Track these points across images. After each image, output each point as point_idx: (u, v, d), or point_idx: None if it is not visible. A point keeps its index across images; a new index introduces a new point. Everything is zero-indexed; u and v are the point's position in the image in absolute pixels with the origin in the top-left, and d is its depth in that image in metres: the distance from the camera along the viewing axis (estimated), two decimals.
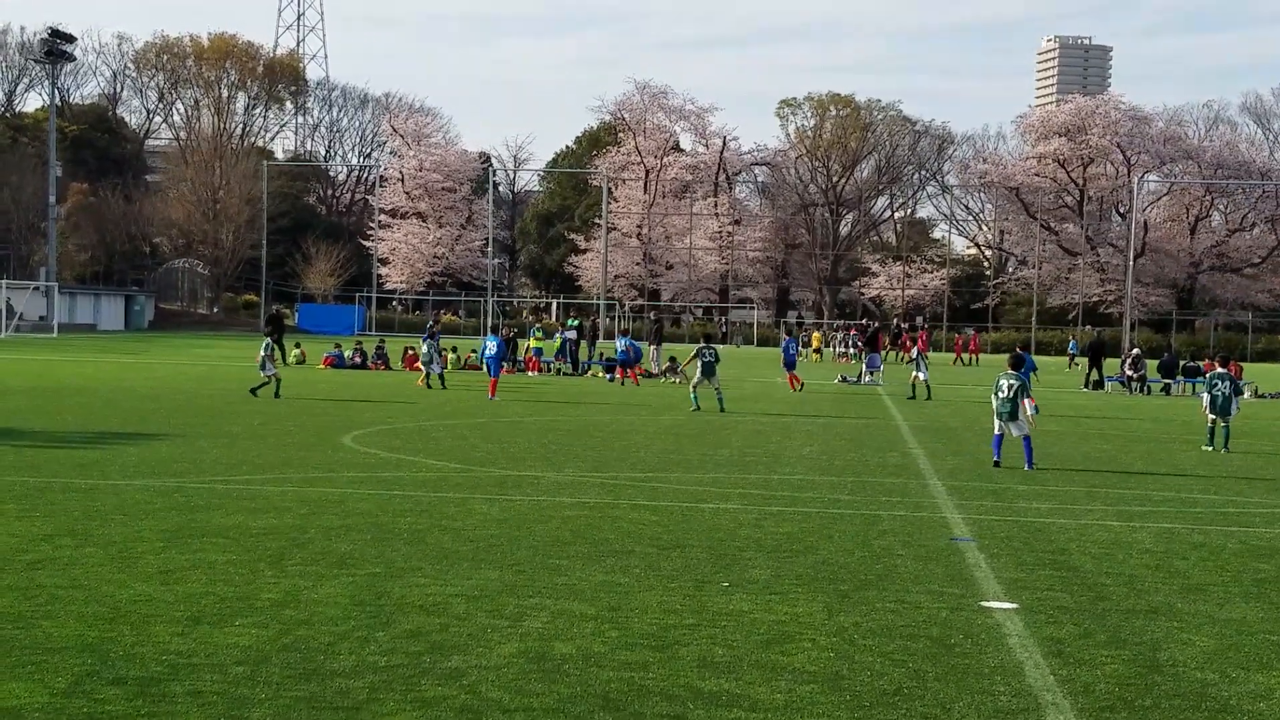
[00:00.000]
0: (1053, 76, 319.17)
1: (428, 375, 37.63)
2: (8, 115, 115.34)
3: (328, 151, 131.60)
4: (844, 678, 8.47)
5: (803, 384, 39.66)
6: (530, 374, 45.44)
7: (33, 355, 50.43)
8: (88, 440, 20.97)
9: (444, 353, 40.16)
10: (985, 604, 10.67)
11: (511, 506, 15.17)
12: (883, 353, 50.73)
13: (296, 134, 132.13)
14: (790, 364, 40.19)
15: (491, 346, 34.62)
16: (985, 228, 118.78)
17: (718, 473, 19.02)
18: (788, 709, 7.81)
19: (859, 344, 61.91)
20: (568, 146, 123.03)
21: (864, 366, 46.75)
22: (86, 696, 7.62)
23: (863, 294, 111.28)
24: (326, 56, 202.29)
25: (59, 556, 11.51)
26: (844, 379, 46.04)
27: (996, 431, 20.80)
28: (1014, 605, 10.64)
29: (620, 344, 43.34)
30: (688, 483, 17.82)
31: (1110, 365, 50.48)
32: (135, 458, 18.68)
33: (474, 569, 11.49)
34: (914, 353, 41.81)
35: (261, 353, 31.60)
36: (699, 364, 31.25)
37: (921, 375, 37.90)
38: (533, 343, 48.56)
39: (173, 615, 9.52)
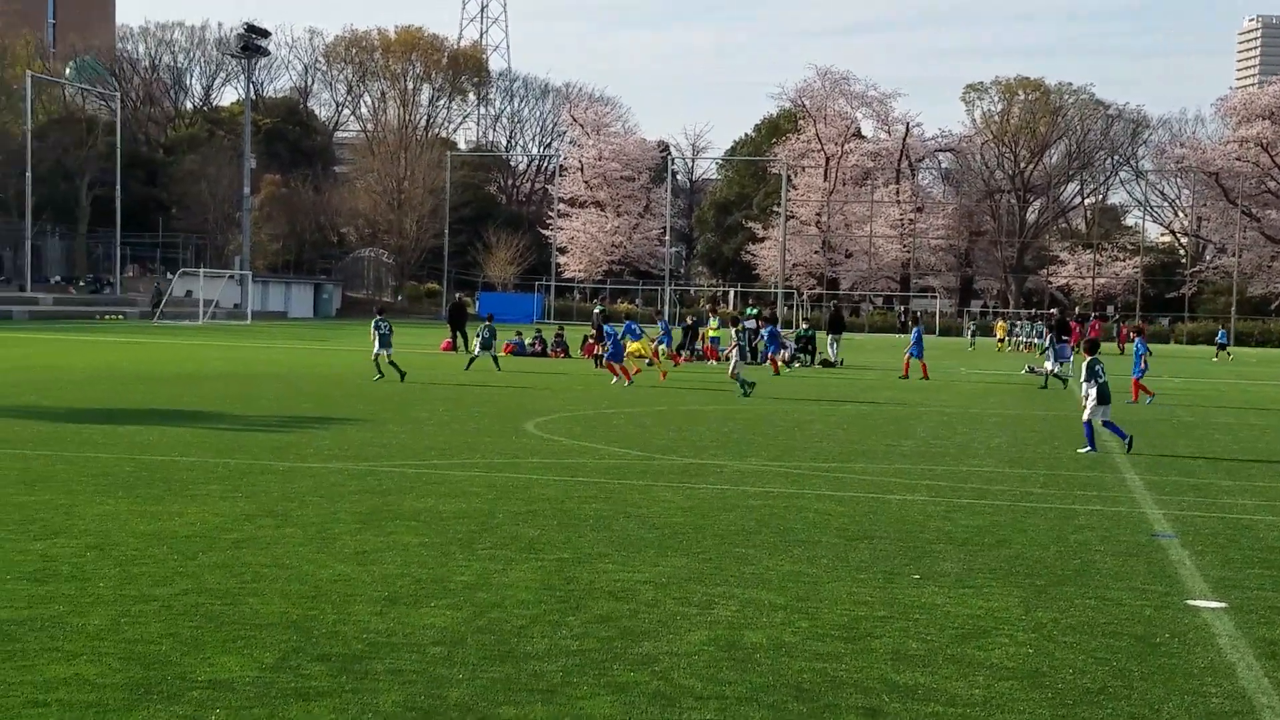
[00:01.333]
0: (1255, 57, 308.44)
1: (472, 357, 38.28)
2: (205, 109, 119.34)
3: (509, 141, 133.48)
4: (1044, 674, 8.24)
5: (919, 376, 38.81)
6: (710, 363, 45.43)
7: (229, 342, 52.12)
8: (283, 424, 21.55)
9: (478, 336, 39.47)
10: (1191, 602, 10.30)
11: (695, 494, 15.14)
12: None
13: (479, 124, 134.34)
14: (919, 352, 39.63)
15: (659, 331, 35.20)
16: (1182, 214, 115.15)
17: (903, 463, 18.74)
18: (986, 705, 7.63)
19: (1047, 334, 60.43)
20: (746, 134, 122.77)
21: (1052, 357, 45.72)
22: (293, 671, 7.80)
23: (1050, 283, 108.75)
24: (509, 47, 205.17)
25: (261, 536, 11.83)
26: (1031, 369, 45.10)
27: (1102, 419, 20.65)
28: (1223, 604, 10.25)
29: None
30: (873, 473, 17.60)
31: None
32: (329, 441, 19.13)
33: (660, 556, 11.49)
34: (1048, 340, 41.04)
35: (374, 334, 32.42)
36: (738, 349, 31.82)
37: (1049, 365, 37.55)
38: (711, 331, 48.54)
39: (371, 595, 9.70)
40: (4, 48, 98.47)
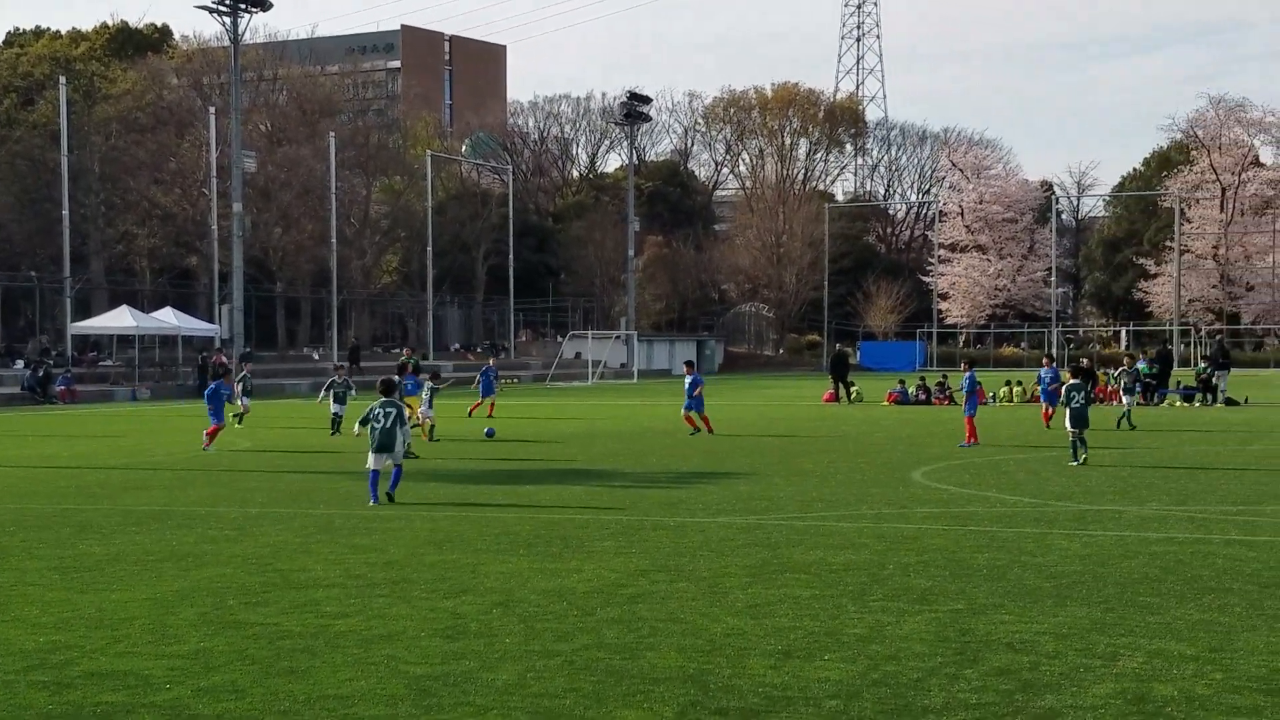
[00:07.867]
0: None
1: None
2: (590, 176, 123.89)
3: (886, 190, 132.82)
4: None
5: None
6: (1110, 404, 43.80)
7: (616, 400, 53.71)
8: (672, 480, 22.01)
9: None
10: None
11: (1093, 542, 14.60)
12: None
13: (856, 175, 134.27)
14: None
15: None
16: None
17: None
18: None
19: None
20: (1134, 169, 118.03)
21: None
22: None
23: None
24: (885, 97, 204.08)
25: (656, 591, 12.10)
26: None
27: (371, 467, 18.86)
28: None
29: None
30: None
31: None
32: (716, 496, 19.43)
33: (1059, 606, 11.14)
34: None
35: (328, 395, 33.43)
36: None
37: None
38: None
39: (764, 648, 9.77)
40: (407, 130, 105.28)
